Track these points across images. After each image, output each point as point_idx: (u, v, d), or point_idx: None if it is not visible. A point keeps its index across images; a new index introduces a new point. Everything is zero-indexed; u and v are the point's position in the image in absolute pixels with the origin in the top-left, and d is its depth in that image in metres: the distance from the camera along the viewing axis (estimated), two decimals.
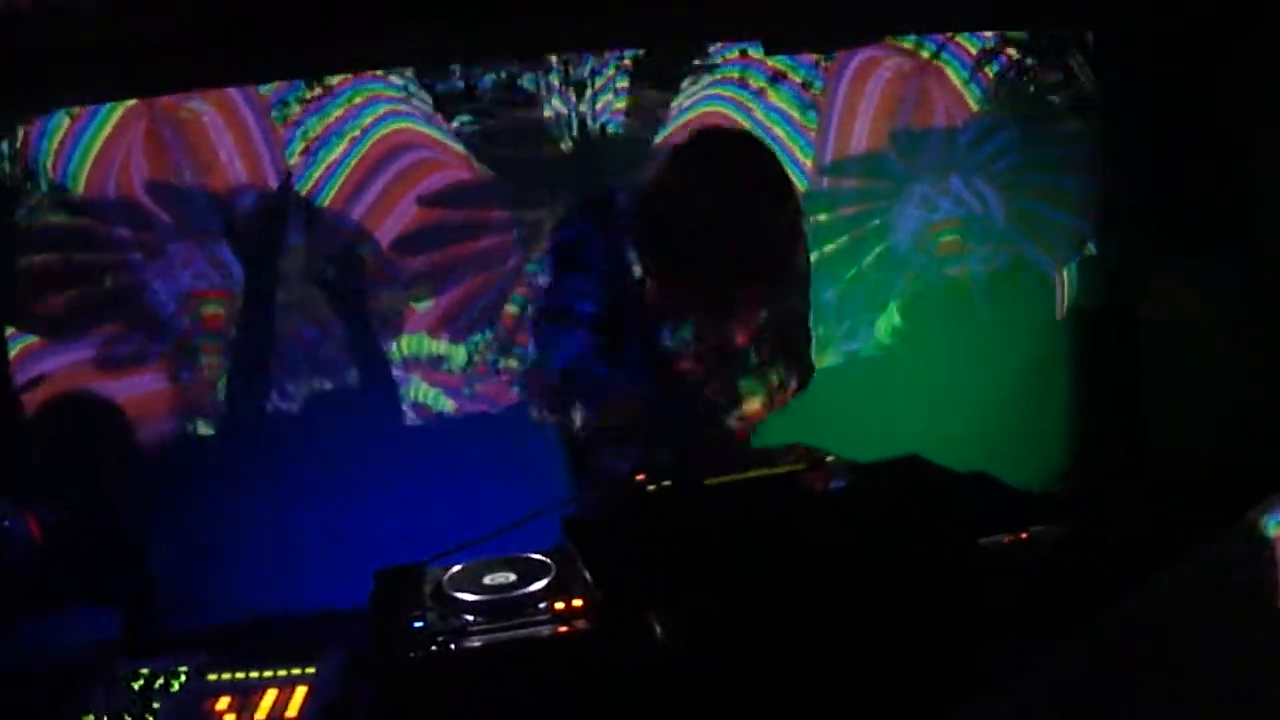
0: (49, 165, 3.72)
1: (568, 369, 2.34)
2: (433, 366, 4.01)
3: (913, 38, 4.30)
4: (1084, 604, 1.40)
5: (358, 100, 3.89)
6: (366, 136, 3.90)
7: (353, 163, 3.90)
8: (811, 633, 1.48)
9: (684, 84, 4.11)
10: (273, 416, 3.90)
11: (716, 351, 2.44)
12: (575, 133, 4.01)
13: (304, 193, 3.88)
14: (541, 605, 1.55)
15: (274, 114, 3.85)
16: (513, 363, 3.98)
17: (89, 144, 3.75)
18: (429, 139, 3.94)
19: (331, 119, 3.88)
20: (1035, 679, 1.26)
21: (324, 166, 3.89)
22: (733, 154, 2.33)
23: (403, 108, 3.92)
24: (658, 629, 1.50)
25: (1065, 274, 4.56)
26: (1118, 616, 1.30)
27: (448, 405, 4.02)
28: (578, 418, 2.36)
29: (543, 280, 2.45)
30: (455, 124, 3.94)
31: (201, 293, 3.87)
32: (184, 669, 1.66)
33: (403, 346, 4.00)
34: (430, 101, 3.92)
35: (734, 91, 4.17)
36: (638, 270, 2.36)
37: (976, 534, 1.63)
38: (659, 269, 2.34)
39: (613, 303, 2.36)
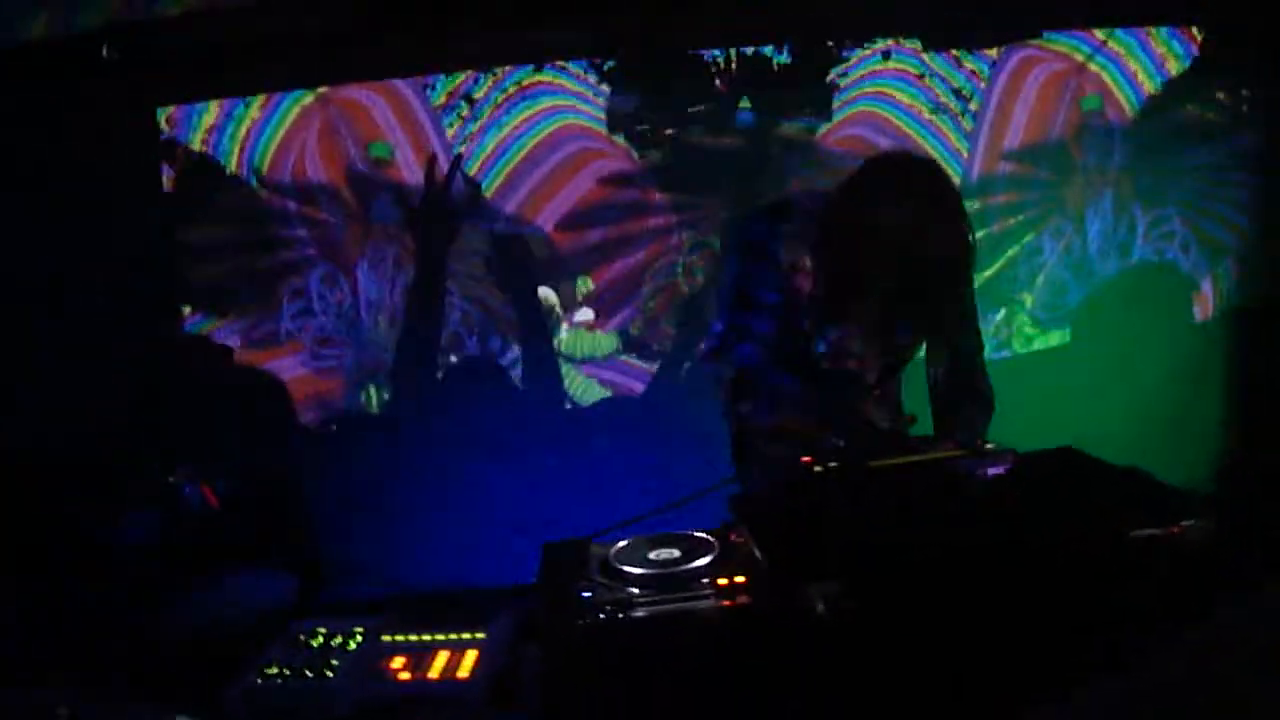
0: (235, 152, 3.92)
1: (746, 369, 2.40)
2: (593, 351, 4.10)
3: (1066, 38, 4.23)
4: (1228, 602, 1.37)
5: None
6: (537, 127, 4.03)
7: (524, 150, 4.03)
8: (963, 615, 1.47)
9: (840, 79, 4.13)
10: (443, 395, 4.03)
11: (885, 354, 2.50)
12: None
13: (472, 176, 4.00)
14: (705, 580, 1.58)
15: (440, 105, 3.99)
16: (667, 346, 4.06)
17: (272, 134, 3.95)
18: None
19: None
20: (1136, 677, 1.23)
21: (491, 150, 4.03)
22: (923, 178, 2.34)
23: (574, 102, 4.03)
24: (819, 606, 1.50)
25: (1220, 275, 4.43)
26: (1228, 620, 1.26)
27: (603, 391, 4.10)
28: (750, 412, 2.42)
29: (729, 272, 2.51)
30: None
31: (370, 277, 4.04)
32: (360, 629, 1.73)
33: (565, 332, 4.10)
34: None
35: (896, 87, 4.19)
36: (814, 276, 2.41)
37: (1128, 525, 1.59)
38: (833, 280, 2.38)
39: (791, 301, 2.41)
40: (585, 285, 4.08)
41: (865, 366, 2.48)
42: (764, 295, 2.42)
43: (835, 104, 4.13)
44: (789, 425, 2.38)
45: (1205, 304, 4.44)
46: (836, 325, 2.43)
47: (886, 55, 4.14)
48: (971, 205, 3.96)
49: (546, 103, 4.01)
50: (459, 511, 3.74)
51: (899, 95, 4.17)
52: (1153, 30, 4.25)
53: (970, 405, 2.56)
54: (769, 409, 2.40)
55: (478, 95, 3.98)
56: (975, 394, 2.58)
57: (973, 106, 4.21)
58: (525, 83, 3.99)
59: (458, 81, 3.98)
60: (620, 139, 4.04)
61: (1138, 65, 4.27)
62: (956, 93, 4.21)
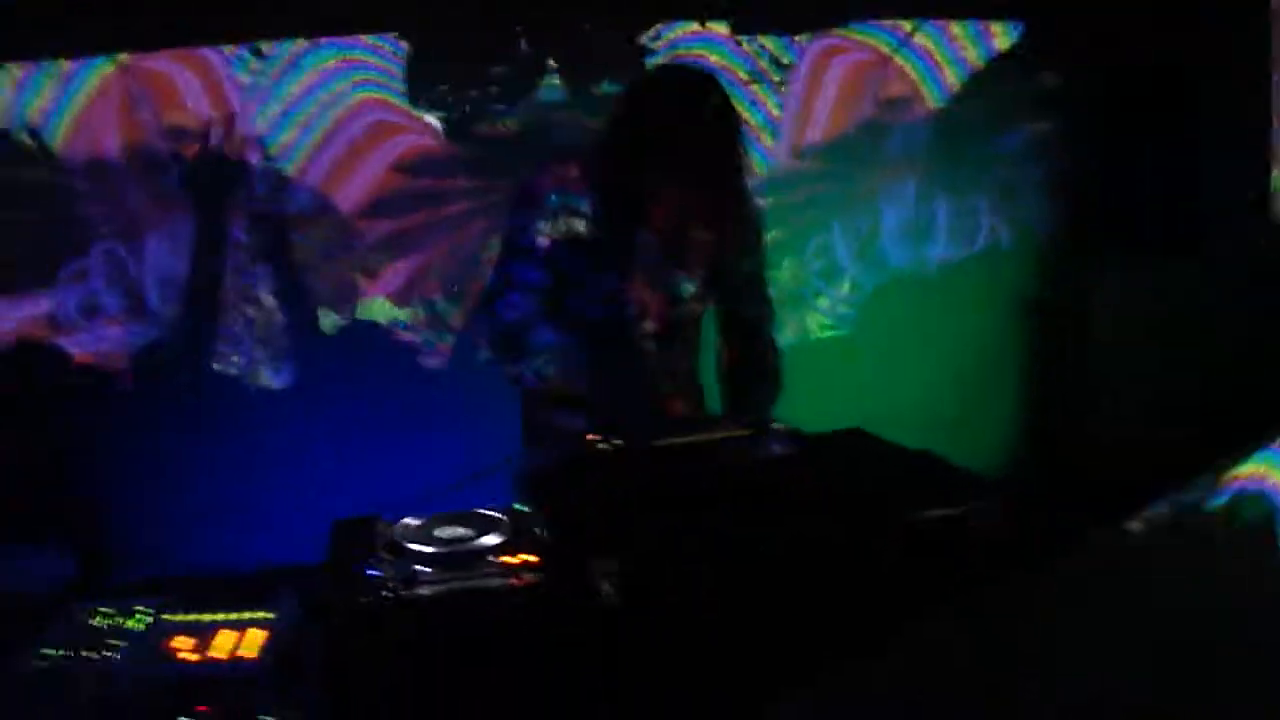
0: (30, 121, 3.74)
1: (512, 325, 2.36)
2: (392, 327, 4.06)
3: (873, 29, 4.36)
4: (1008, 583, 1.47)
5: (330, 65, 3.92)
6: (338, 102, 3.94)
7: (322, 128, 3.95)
8: (744, 594, 1.54)
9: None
10: (230, 375, 3.93)
11: (668, 305, 2.48)
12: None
13: (270, 154, 3.91)
14: (493, 559, 1.61)
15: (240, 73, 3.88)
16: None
17: (69, 104, 3.76)
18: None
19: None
20: (916, 650, 1.30)
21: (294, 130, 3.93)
22: (691, 86, 2.33)
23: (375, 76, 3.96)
24: (604, 585, 1.55)
25: (1018, 266, 4.66)
26: (1004, 592, 1.36)
27: (404, 364, 4.07)
28: (525, 371, 2.38)
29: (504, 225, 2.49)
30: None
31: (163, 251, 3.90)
32: (143, 609, 1.71)
33: (363, 308, 4.05)
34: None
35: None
36: (590, 219, 2.39)
37: (912, 507, 1.67)
38: (611, 208, 2.37)
39: (566, 248, 2.38)
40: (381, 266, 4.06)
41: (647, 316, 2.46)
42: (532, 241, 2.38)
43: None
44: (556, 391, 2.36)
45: (1007, 294, 4.67)
46: (614, 268, 2.41)
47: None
48: (770, 199, 4.10)
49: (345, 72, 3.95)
50: (246, 492, 3.67)
51: (713, 58, 4.19)
52: (954, 24, 4.44)
53: (760, 384, 2.56)
54: (535, 369, 2.36)
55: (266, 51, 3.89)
56: (764, 371, 2.59)
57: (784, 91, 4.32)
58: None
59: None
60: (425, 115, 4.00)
61: (943, 58, 4.45)
62: (777, 62, 4.29)
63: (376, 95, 3.96)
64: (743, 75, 4.25)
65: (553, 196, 2.38)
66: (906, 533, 1.65)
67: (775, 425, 2.01)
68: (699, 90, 2.31)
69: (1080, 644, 1.31)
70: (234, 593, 1.73)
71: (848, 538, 1.61)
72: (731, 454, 1.91)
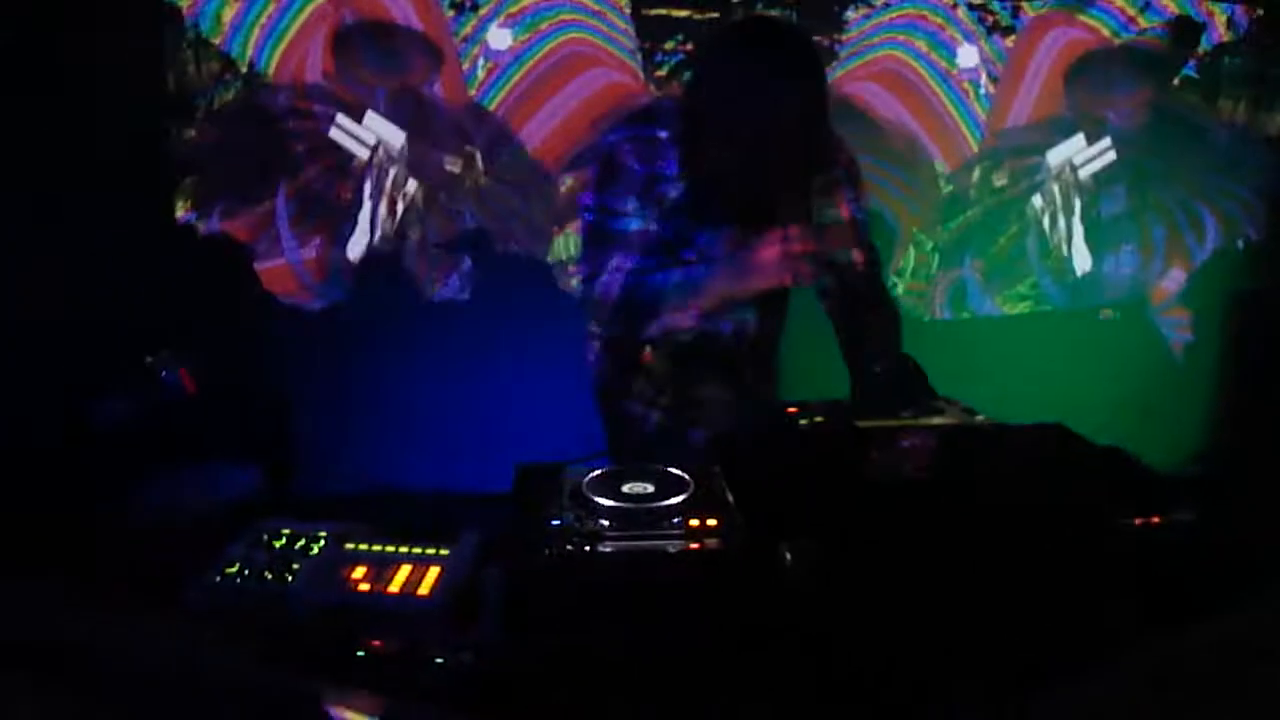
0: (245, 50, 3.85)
1: (625, 298, 2.25)
2: None
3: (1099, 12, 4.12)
4: (1207, 604, 1.35)
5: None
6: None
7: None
8: (935, 588, 1.46)
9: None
10: (430, 298, 3.99)
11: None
12: None
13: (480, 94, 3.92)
14: (676, 520, 1.56)
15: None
16: None
17: (281, 33, 3.87)
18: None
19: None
20: (1094, 687, 1.21)
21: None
22: (777, 41, 2.13)
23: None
24: (788, 558, 1.49)
25: (1227, 255, 4.41)
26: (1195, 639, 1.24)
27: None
28: (635, 327, 2.29)
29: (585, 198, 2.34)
30: None
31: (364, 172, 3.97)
32: (324, 534, 1.71)
33: (561, 246, 4.04)
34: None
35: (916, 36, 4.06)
36: (678, 179, 2.23)
37: (1112, 514, 1.60)
38: (696, 171, 2.21)
39: (655, 214, 2.25)
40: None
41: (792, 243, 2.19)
42: (625, 226, 2.24)
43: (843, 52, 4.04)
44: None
45: (1202, 288, 4.41)
46: (714, 229, 2.25)
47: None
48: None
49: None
50: (431, 415, 3.72)
51: (918, 43, 4.07)
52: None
53: (874, 313, 2.39)
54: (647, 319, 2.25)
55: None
56: (878, 301, 2.42)
57: (997, 67, 4.12)
58: None
59: None
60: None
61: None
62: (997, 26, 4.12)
63: (582, 36, 3.94)
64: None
65: (636, 167, 2.22)
66: (1111, 536, 1.58)
67: (979, 418, 1.91)
68: (770, 43, 2.13)
69: None
70: (414, 523, 1.72)
71: (1051, 539, 1.52)
72: (933, 444, 1.81)
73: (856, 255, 2.37)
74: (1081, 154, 4.21)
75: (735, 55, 2.15)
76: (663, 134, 2.22)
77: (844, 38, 4.02)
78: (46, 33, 3.50)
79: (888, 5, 4.01)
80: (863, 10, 4.01)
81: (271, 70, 3.86)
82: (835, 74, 4.00)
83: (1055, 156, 4.21)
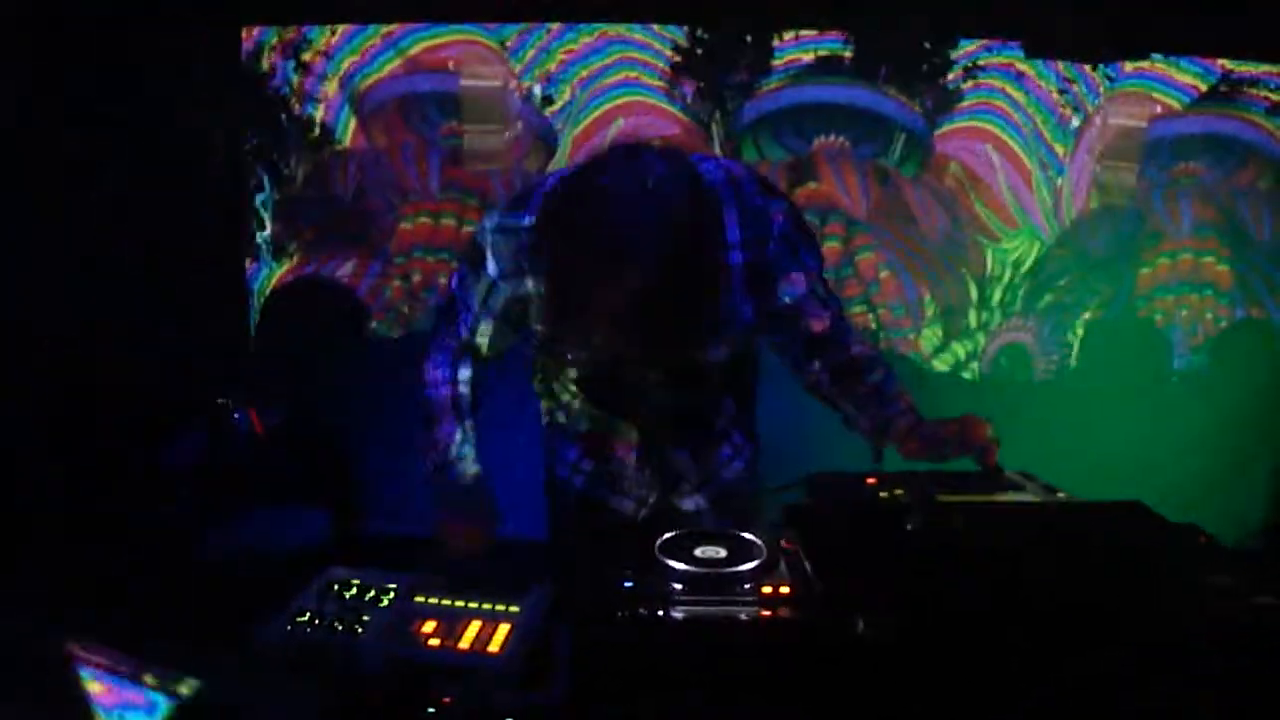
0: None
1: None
2: None
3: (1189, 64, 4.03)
4: None
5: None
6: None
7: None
8: (1014, 672, 1.42)
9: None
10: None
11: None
12: None
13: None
14: (748, 586, 1.54)
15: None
16: None
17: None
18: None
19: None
20: None
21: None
22: (648, 168, 1.69)
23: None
24: (861, 628, 1.47)
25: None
26: None
27: None
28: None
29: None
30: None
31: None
32: (393, 586, 1.72)
33: None
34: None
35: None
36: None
37: (1198, 598, 1.51)
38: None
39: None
40: None
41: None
42: (471, 303, 2.11)
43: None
44: None
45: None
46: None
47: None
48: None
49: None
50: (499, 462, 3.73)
51: (1013, 91, 4.02)
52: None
53: (867, 375, 2.04)
54: None
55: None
56: (862, 365, 2.05)
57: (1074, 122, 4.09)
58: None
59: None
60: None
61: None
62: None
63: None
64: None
65: (494, 264, 2.00)
66: (1194, 627, 1.50)
67: (1059, 494, 1.87)
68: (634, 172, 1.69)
69: None
70: (483, 577, 1.72)
71: (1146, 626, 1.47)
72: (1013, 521, 1.77)
73: (815, 324, 2.03)
74: None
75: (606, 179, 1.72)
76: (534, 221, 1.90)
77: None
78: (156, 104, 3.62)
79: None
80: None
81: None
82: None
83: None
